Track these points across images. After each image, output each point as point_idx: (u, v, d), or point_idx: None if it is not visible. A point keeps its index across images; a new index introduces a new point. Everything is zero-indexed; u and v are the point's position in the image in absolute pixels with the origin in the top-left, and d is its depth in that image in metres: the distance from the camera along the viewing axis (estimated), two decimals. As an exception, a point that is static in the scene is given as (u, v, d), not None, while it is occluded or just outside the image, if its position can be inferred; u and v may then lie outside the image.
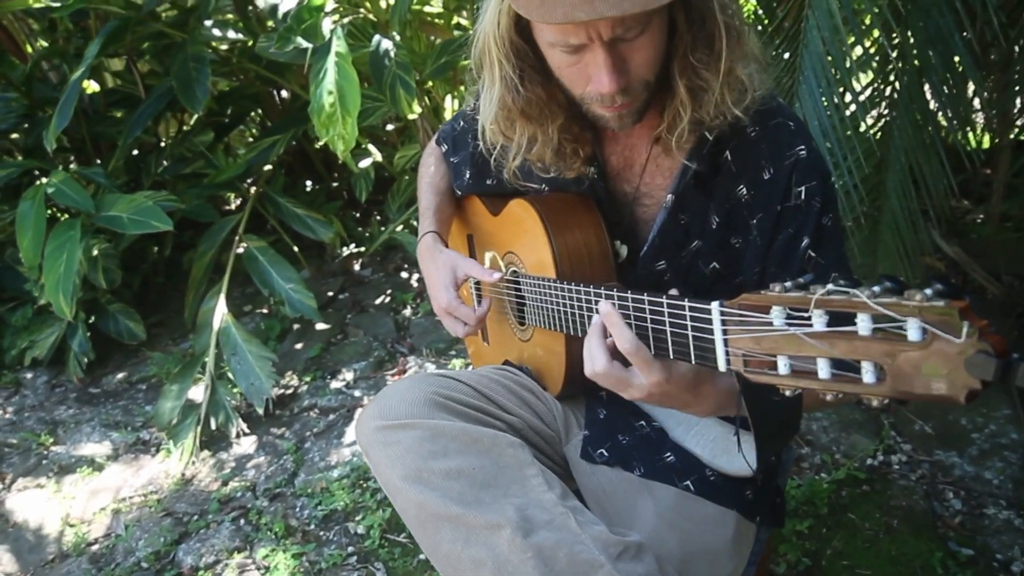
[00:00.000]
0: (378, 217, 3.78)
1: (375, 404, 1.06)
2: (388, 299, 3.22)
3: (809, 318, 0.67)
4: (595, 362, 0.92)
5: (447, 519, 0.94)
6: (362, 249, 3.61)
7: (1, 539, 2.10)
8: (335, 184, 4.01)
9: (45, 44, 3.55)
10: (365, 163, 3.21)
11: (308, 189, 3.97)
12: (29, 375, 2.96)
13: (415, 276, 3.37)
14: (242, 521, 2.06)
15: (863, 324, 0.63)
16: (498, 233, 1.36)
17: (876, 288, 0.62)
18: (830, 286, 0.65)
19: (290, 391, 2.66)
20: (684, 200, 1.10)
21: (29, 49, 3.52)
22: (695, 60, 0.96)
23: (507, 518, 0.92)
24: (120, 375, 2.92)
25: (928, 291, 0.59)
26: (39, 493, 2.27)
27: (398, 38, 2.64)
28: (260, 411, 2.48)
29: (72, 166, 3.23)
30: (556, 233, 1.15)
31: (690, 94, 0.99)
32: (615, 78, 0.94)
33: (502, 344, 1.43)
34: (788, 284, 0.69)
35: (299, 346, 2.95)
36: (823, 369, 0.67)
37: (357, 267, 3.54)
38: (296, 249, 3.43)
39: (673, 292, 0.88)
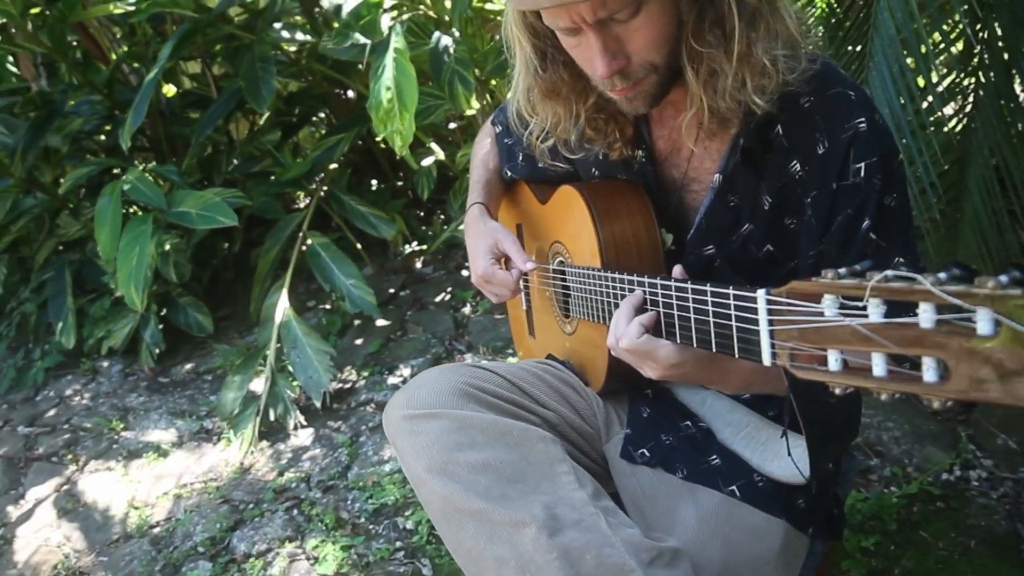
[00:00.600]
0: (441, 216, 3.80)
1: (404, 392, 1.04)
2: (448, 297, 3.23)
3: (864, 308, 0.60)
4: (617, 328, 0.92)
5: (471, 514, 0.91)
6: (424, 247, 3.63)
7: (72, 517, 2.19)
8: (400, 183, 4.05)
9: (126, 49, 3.72)
10: (427, 161, 3.23)
11: (373, 188, 4.02)
12: (105, 363, 3.09)
13: (475, 274, 3.36)
14: (295, 511, 2.08)
15: (926, 315, 0.55)
16: (545, 222, 1.32)
17: (942, 275, 0.55)
18: (889, 272, 0.58)
19: (348, 386, 2.69)
20: (733, 180, 1.04)
21: (113, 55, 3.69)
22: (702, 43, 0.90)
23: (533, 515, 0.88)
24: (188, 366, 3.02)
25: (1003, 278, 0.51)
26: (108, 475, 2.36)
27: (458, 34, 2.64)
28: (318, 404, 2.51)
29: (149, 165, 3.35)
30: (603, 221, 1.10)
31: (700, 80, 0.93)
32: (608, 61, 0.90)
33: (547, 338, 1.39)
34: (842, 271, 0.62)
35: (359, 342, 2.98)
36: (879, 366, 0.59)
37: (419, 265, 3.56)
38: (359, 247, 3.47)
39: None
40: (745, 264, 1.06)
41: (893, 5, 1.45)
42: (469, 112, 2.65)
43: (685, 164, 1.09)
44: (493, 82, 3.23)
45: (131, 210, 3.16)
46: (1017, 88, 1.90)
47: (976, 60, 1.93)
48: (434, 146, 3.25)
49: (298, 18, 3.53)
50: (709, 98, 0.94)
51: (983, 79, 1.89)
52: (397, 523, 1.97)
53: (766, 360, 0.71)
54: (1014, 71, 1.84)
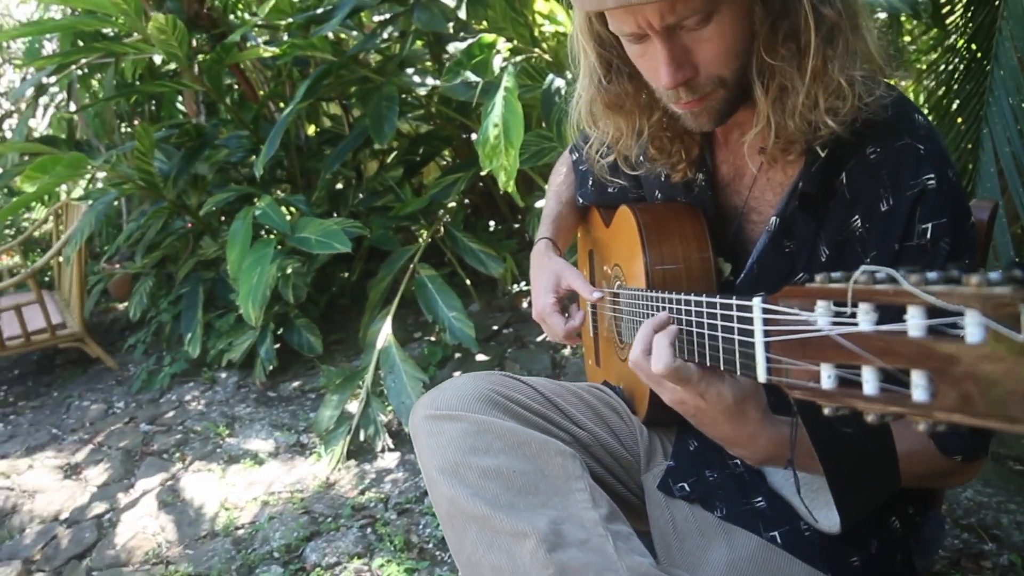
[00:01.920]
0: (551, 258, 3.82)
1: (430, 393, 1.04)
2: (549, 337, 3.22)
3: (854, 315, 0.52)
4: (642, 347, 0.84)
5: (474, 519, 0.88)
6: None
7: (170, 510, 2.33)
8: (516, 226, 4.12)
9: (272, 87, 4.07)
10: (541, 203, 3.27)
11: (490, 229, 4.12)
12: (223, 374, 3.30)
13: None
14: (368, 530, 2.11)
15: (914, 321, 0.47)
16: (609, 245, 1.30)
17: (932, 275, 0.46)
18: (880, 272, 0.50)
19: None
20: (791, 225, 0.96)
21: (262, 93, 4.05)
22: (774, 56, 0.85)
23: (535, 528, 0.84)
24: (295, 383, 3.17)
25: (992, 274, 0.43)
26: (208, 476, 2.50)
27: (571, 76, 2.69)
28: (407, 429, 2.55)
29: (281, 194, 3.62)
30: (651, 243, 1.06)
31: (769, 97, 0.87)
32: (673, 71, 0.85)
33: (608, 365, 1.35)
34: (835, 274, 0.54)
35: (456, 374, 3.02)
36: (869, 383, 0.51)
37: (524, 304, 3.58)
38: (469, 283, 3.55)
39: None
40: None
41: (1015, 32, 1.33)
42: (575, 151, 2.67)
43: (747, 192, 1.04)
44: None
45: (261, 234, 3.40)
46: None
47: None
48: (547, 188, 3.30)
49: (429, 63, 3.73)
50: (777, 116, 0.88)
51: None
52: (462, 552, 1.95)
53: (761, 375, 0.64)
54: None
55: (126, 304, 4.11)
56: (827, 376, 0.56)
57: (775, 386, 0.63)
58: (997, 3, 1.49)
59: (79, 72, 3.86)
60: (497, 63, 2.41)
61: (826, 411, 0.55)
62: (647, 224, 1.08)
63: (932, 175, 0.85)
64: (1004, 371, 0.42)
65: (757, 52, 0.87)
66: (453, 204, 3.69)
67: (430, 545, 2.00)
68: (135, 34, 3.16)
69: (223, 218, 3.69)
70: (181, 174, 3.39)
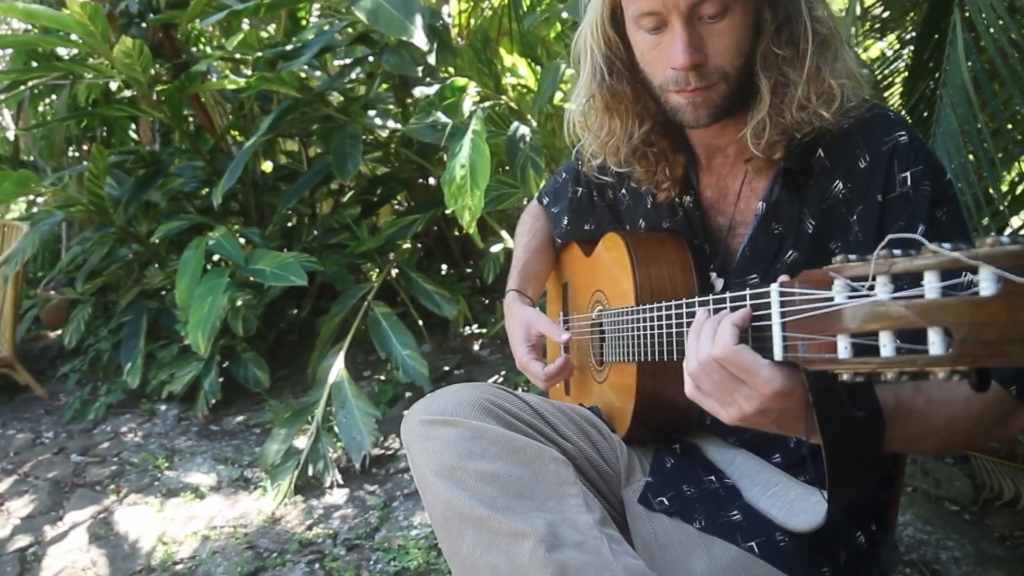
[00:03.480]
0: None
1: (425, 400, 1.05)
2: (501, 379, 3.23)
3: (872, 288, 0.60)
4: (701, 341, 0.79)
5: (472, 521, 0.89)
6: (484, 331, 3.67)
7: (102, 544, 2.21)
8: (469, 270, 4.16)
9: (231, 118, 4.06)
10: (496, 248, 3.32)
11: (443, 272, 4.15)
12: (163, 407, 3.18)
13: (529, 361, 3.36)
14: (316, 565, 2.05)
15: (931, 284, 0.55)
16: (589, 274, 1.35)
17: (946, 245, 0.54)
18: (895, 251, 0.58)
19: (389, 452, 2.69)
20: (776, 208, 1.05)
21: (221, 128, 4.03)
22: (779, 51, 0.96)
23: (534, 529, 0.86)
24: (240, 417, 3.09)
25: (1004, 237, 0.51)
26: (144, 509, 2.39)
27: (535, 125, 2.78)
28: (357, 466, 2.51)
29: (235, 226, 3.57)
30: (640, 263, 1.12)
31: (771, 86, 0.97)
32: (690, 52, 0.94)
33: (580, 391, 1.39)
34: (852, 256, 0.62)
35: (407, 412, 2.99)
36: (887, 346, 0.59)
37: (476, 347, 3.60)
38: (421, 323, 3.55)
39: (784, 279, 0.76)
40: None
41: (954, 99, 1.47)
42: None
43: (732, 209, 1.11)
44: (566, 178, 3.36)
45: (212, 265, 3.34)
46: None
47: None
48: (504, 234, 3.36)
49: (391, 106, 3.79)
50: (775, 108, 0.98)
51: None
52: (416, 588, 1.91)
53: (778, 355, 0.71)
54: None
55: (59, 332, 3.95)
56: (843, 347, 0.63)
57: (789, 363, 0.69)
58: (936, 76, 1.64)
59: (30, 92, 3.77)
60: (467, 107, 2.48)
61: (844, 377, 0.62)
62: (635, 246, 1.14)
63: (903, 132, 0.96)
64: (1014, 315, 0.50)
65: (764, 48, 0.97)
66: (407, 245, 3.71)
67: (381, 581, 1.96)
68: (96, 57, 3.12)
69: (172, 247, 3.61)
70: (132, 200, 3.32)
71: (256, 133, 2.99)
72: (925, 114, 1.65)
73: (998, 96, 1.54)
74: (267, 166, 4.17)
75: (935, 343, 0.55)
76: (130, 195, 3.34)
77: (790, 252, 1.04)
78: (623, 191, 1.27)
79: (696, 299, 0.88)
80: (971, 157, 1.51)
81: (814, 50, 0.96)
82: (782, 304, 0.71)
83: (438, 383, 3.17)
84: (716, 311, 0.82)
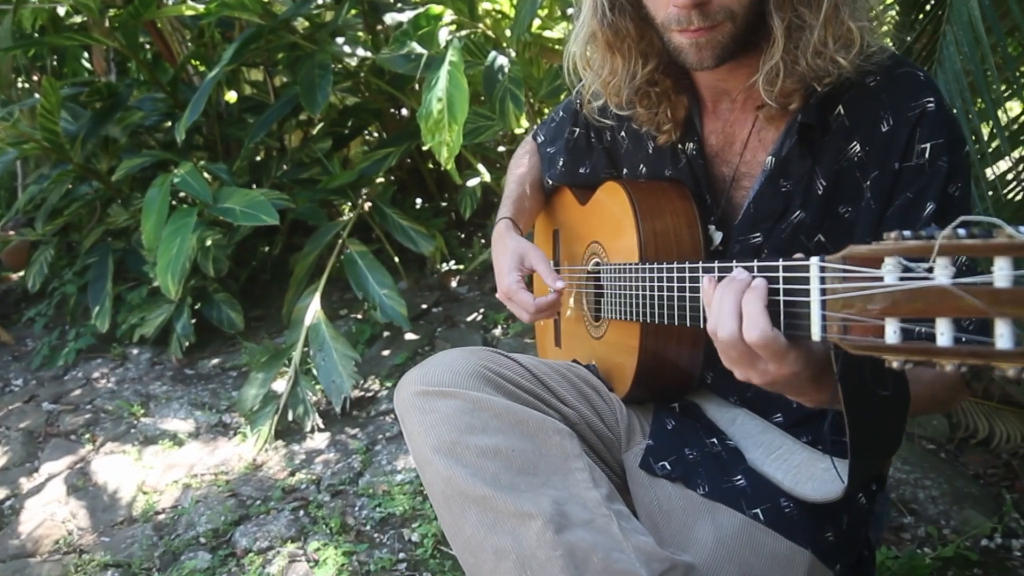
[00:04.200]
0: (481, 238, 3.79)
1: (419, 368, 1.00)
2: (480, 317, 3.19)
3: (931, 270, 0.55)
4: (722, 315, 0.74)
5: (474, 500, 0.85)
6: (461, 267, 3.62)
7: (81, 495, 2.18)
8: (444, 204, 4.07)
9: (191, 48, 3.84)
10: (473, 182, 3.23)
11: (417, 207, 4.05)
12: (135, 351, 3.11)
13: (508, 298, 3.33)
14: (301, 512, 2.04)
15: (1002, 272, 0.50)
16: (584, 223, 1.29)
17: (1022, 228, 0.50)
18: (960, 229, 0.53)
19: (370, 394, 2.66)
20: (786, 164, 0.99)
21: (181, 57, 3.81)
22: None
23: (540, 509, 0.83)
24: (215, 360, 3.03)
25: None
26: (122, 459, 2.35)
27: (514, 55, 2.66)
28: (337, 409, 2.48)
29: (201, 162, 3.42)
30: (644, 217, 1.06)
31: (786, 32, 0.89)
32: None
33: (573, 345, 1.35)
34: (907, 233, 0.57)
35: (386, 353, 2.96)
36: (944, 334, 0.54)
37: (454, 284, 3.54)
38: (397, 260, 3.48)
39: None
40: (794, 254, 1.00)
41: (960, 36, 1.40)
42: (518, 131, 2.65)
43: (737, 159, 1.06)
44: (546, 109, 3.25)
45: (178, 203, 3.21)
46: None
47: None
48: (481, 167, 3.26)
49: (360, 33, 3.61)
50: (789, 53, 0.91)
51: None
52: (403, 534, 1.91)
53: (815, 335, 0.66)
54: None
55: (22, 274, 3.81)
56: (892, 331, 0.58)
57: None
58: (939, 12, 1.57)
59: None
60: (443, 36, 2.35)
61: (895, 364, 0.58)
62: (638, 199, 1.08)
63: (931, 98, 0.90)
64: None
65: None
66: (381, 179, 3.60)
67: (367, 527, 1.95)
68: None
69: (135, 184, 3.45)
70: (90, 136, 3.15)
71: (219, 63, 2.82)
72: (923, 53, 1.58)
73: (1010, 41, 1.47)
74: (231, 96, 3.98)
75: (1004, 336, 0.51)
76: (87, 130, 3.17)
77: (797, 212, 0.99)
78: (623, 133, 1.20)
79: (715, 264, 0.82)
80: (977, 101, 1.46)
81: None
82: (822, 280, 0.66)
83: (416, 322, 3.13)
84: (721, 277, 0.77)
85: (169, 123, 3.54)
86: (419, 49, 2.29)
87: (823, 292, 0.66)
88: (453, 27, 2.42)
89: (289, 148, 3.71)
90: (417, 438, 0.93)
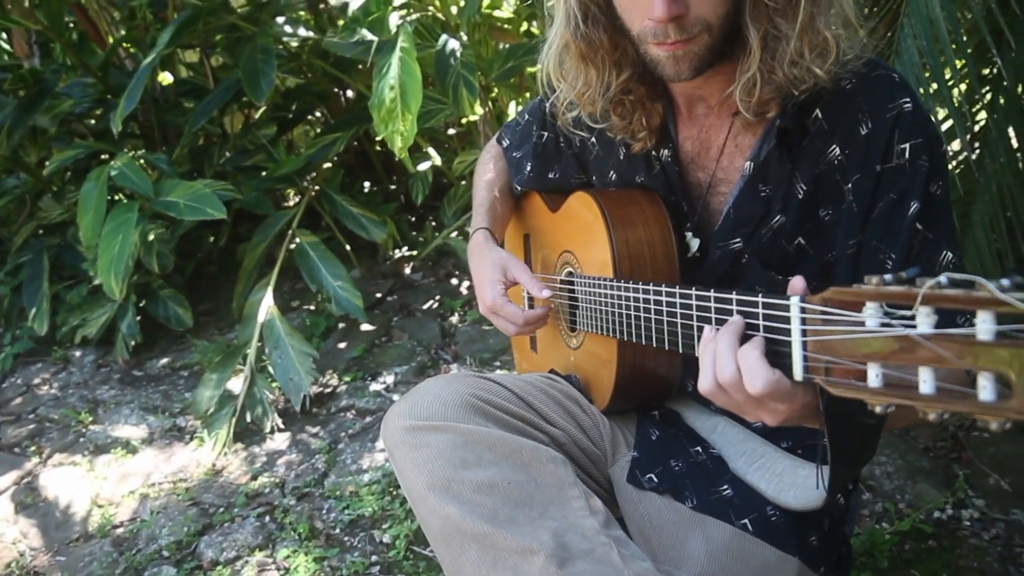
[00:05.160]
0: (432, 223, 3.74)
1: (406, 401, 0.97)
2: (436, 305, 3.16)
3: (913, 317, 0.55)
4: (720, 372, 0.74)
5: (474, 538, 0.84)
6: (414, 253, 3.57)
7: (31, 513, 2.09)
8: (393, 187, 3.99)
9: (124, 33, 3.64)
10: (424, 166, 3.17)
11: (366, 190, 3.96)
12: (77, 353, 2.98)
13: (465, 283, 3.30)
14: (267, 518, 2.00)
15: (984, 326, 0.51)
16: (555, 231, 1.27)
17: (1005, 281, 0.50)
18: (942, 278, 0.53)
19: (329, 390, 2.61)
20: (765, 169, 0.99)
21: (111, 39, 3.61)
22: (769, 3, 0.87)
23: (541, 543, 0.82)
24: (164, 360, 2.93)
25: None
26: (73, 470, 2.26)
27: (465, 38, 2.60)
28: (297, 407, 2.43)
29: (138, 152, 3.27)
30: (617, 229, 1.05)
31: (762, 43, 0.89)
32: (668, 3, 0.85)
33: (550, 352, 1.34)
34: (888, 277, 0.57)
35: (342, 345, 2.91)
36: (927, 382, 0.55)
37: (408, 271, 3.49)
38: (348, 248, 3.40)
39: (798, 281, 0.72)
40: (775, 259, 1.00)
41: (918, 31, 1.42)
42: (472, 118, 2.60)
43: (713, 165, 1.05)
44: (495, 91, 3.20)
45: (116, 197, 3.07)
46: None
47: (988, 96, 1.91)
48: (431, 151, 3.20)
49: (302, 13, 3.48)
50: (766, 64, 0.90)
51: (995, 115, 1.87)
52: (374, 536, 1.89)
53: (798, 375, 0.66)
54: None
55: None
56: (875, 375, 0.58)
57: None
58: (897, 6, 1.58)
59: None
60: (393, 21, 2.28)
61: (877, 409, 0.58)
62: (610, 210, 1.07)
63: (907, 99, 0.91)
64: None
65: (754, 1, 0.89)
66: (328, 165, 3.50)
67: (337, 530, 1.93)
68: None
69: (67, 176, 3.28)
70: (17, 126, 2.96)
71: (155, 48, 2.68)
72: (880, 44, 1.60)
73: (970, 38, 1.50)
74: (165, 77, 3.80)
75: (985, 388, 0.52)
76: (13, 120, 2.98)
77: (777, 217, 0.99)
78: (593, 139, 1.18)
79: (693, 290, 0.82)
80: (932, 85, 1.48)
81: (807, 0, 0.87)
82: (803, 321, 0.66)
83: (371, 312, 3.07)
84: (720, 324, 0.77)
85: (100, 111, 3.37)
86: (369, 36, 2.21)
87: (804, 333, 0.66)
88: (404, 11, 2.35)
89: (231, 134, 3.57)
90: (410, 475, 0.91)
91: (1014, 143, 1.93)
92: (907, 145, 0.90)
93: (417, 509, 0.91)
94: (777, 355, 0.70)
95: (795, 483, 0.96)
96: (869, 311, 0.59)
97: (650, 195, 1.10)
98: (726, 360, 0.72)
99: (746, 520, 0.96)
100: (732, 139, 1.03)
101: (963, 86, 1.81)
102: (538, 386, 1.08)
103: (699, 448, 1.07)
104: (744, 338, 0.74)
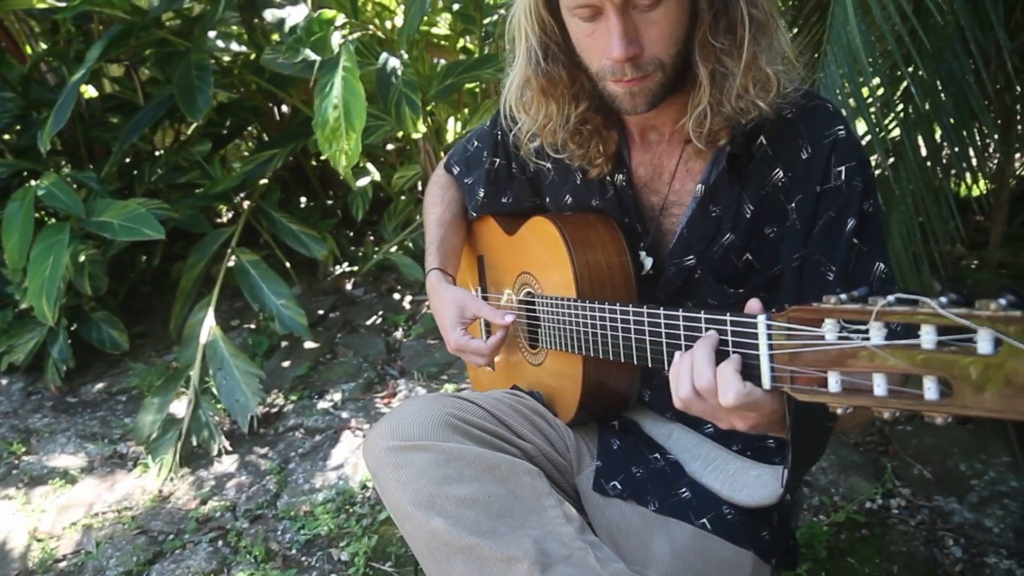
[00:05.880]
0: (372, 237, 3.74)
1: (387, 422, 1.01)
2: (380, 320, 3.16)
3: (867, 331, 0.63)
4: (698, 379, 0.80)
5: (460, 550, 0.89)
6: (355, 268, 3.56)
7: (-36, 551, 2.00)
8: (330, 202, 3.97)
9: (45, 46, 3.51)
10: (363, 182, 3.17)
11: (302, 206, 3.92)
12: (4, 381, 2.86)
13: (408, 298, 3.32)
14: (220, 543, 1.97)
15: (927, 336, 0.60)
16: (512, 253, 1.32)
17: (943, 299, 0.59)
18: (891, 297, 0.62)
19: (275, 410, 2.59)
20: (715, 191, 1.07)
21: (29, 50, 3.47)
22: (716, 43, 0.96)
23: (524, 551, 0.87)
24: (99, 385, 2.83)
25: (1002, 301, 0.56)
26: (6, 505, 2.17)
27: (406, 57, 2.63)
28: (244, 429, 2.40)
29: (65, 170, 3.16)
30: (578, 251, 1.11)
31: (711, 79, 0.97)
32: (625, 44, 0.93)
33: (510, 369, 1.38)
34: (843, 296, 0.66)
35: (286, 364, 2.88)
36: (880, 386, 0.64)
37: (349, 286, 3.48)
38: (288, 265, 3.37)
39: (754, 303, 0.80)
40: (726, 273, 1.08)
41: (839, 58, 1.54)
42: (415, 135, 2.63)
43: (666, 189, 1.12)
44: (431, 106, 3.23)
45: (42, 215, 2.95)
46: (938, 138, 2.04)
47: (902, 114, 2.06)
48: (370, 166, 3.21)
49: (234, 28, 3.43)
50: (714, 98, 0.98)
51: (908, 126, 2.02)
52: (331, 554, 1.89)
53: (766, 384, 0.74)
54: (936, 125, 1.98)
55: None
56: (835, 382, 0.67)
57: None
58: (822, 31, 1.70)
59: None
60: (335, 40, 2.29)
61: (838, 411, 0.67)
62: (570, 234, 1.12)
63: (841, 126, 1.01)
64: (1015, 373, 0.56)
65: (701, 37, 0.97)
66: (264, 181, 3.46)
67: (294, 551, 1.92)
68: None
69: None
70: (-69, 145, 2.83)
71: (84, 64, 2.61)
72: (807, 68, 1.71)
73: (882, 62, 1.63)
74: (85, 90, 3.67)
75: (930, 389, 0.61)
76: (-74, 138, 2.85)
77: (727, 235, 1.07)
78: (549, 165, 1.24)
79: (661, 310, 0.89)
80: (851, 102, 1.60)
81: (751, 38, 0.96)
82: (769, 337, 0.73)
83: (314, 329, 3.06)
84: (688, 345, 0.84)
85: (20, 126, 3.23)
86: (312, 55, 2.21)
87: (771, 347, 0.74)
88: (345, 30, 2.36)
89: (163, 150, 3.49)
90: (394, 493, 0.94)
91: (923, 152, 2.09)
92: (843, 168, 0.99)
93: (403, 526, 0.95)
94: (747, 368, 0.77)
95: (747, 482, 1.04)
96: (828, 326, 0.67)
97: (605, 219, 1.17)
98: (704, 369, 0.79)
99: (705, 519, 1.03)
100: (683, 164, 1.10)
101: (878, 105, 1.95)
102: (507, 403, 1.13)
103: (657, 455, 1.14)
104: (719, 353, 0.81)
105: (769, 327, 0.74)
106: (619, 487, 1.09)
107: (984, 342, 0.57)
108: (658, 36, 0.95)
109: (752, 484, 1.04)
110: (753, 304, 0.79)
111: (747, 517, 1.04)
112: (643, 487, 1.08)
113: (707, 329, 0.82)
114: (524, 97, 1.11)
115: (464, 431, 0.99)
